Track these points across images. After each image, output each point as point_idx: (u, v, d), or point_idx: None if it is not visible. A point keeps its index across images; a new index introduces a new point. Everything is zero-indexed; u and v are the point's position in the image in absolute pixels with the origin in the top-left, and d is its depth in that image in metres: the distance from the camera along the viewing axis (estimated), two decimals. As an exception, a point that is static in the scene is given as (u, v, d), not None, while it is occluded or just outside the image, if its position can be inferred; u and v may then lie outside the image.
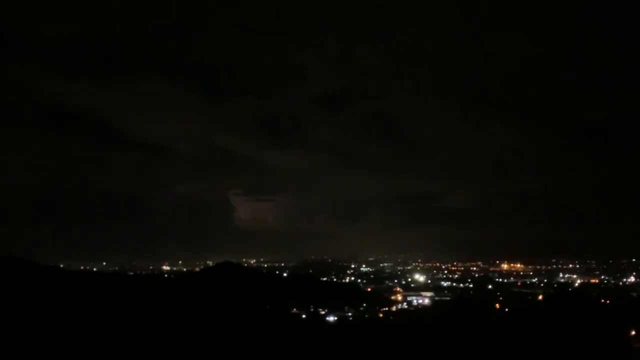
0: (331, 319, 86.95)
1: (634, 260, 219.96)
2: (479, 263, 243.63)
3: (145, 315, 57.42)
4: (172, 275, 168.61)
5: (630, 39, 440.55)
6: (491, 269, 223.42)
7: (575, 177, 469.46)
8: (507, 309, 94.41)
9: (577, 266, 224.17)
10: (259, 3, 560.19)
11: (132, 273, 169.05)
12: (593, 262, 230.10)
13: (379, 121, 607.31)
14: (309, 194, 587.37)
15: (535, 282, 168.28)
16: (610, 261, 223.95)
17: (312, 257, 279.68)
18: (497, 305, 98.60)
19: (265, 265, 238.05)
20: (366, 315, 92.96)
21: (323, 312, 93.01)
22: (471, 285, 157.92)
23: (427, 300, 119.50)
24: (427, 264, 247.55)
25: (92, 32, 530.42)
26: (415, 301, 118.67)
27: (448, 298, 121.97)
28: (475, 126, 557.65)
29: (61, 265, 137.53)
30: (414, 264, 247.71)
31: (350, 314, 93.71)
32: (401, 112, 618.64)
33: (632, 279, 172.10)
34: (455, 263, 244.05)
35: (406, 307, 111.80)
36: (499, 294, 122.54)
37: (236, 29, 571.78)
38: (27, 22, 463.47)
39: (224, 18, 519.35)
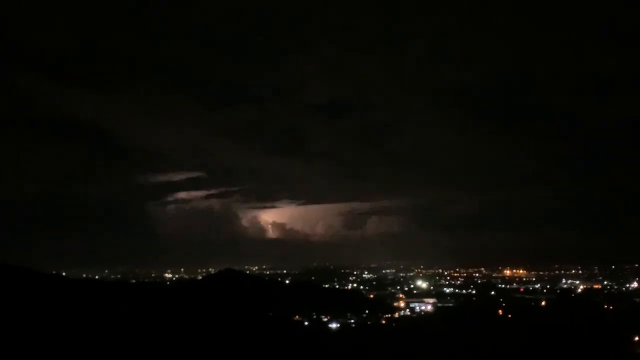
0: (333, 325, 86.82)
1: (636, 265, 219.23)
2: (482, 269, 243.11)
3: (148, 322, 57.47)
4: (175, 283, 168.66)
5: (632, 44, 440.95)
6: (494, 275, 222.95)
7: (578, 182, 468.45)
8: (510, 315, 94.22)
9: (580, 272, 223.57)
10: (258, 11, 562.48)
11: (134, 281, 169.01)
12: (596, 267, 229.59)
13: (380, 128, 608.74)
14: (310, 202, 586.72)
15: (538, 288, 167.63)
16: (613, 267, 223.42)
17: (315, 264, 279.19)
18: (500, 312, 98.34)
19: (268, 273, 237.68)
20: (369, 322, 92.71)
21: (325, 319, 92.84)
22: (474, 292, 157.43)
23: (429, 307, 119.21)
24: (429, 271, 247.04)
25: (91, 40, 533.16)
26: (417, 308, 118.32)
27: (451, 304, 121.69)
28: (477, 133, 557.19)
29: (63, 274, 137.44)
30: (416, 270, 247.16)
31: (352, 320, 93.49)
32: (402, 119, 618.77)
33: (635, 284, 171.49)
34: (457, 269, 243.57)
35: (409, 313, 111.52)
36: (501, 300, 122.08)
37: (236, 37, 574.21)
38: (25, 30, 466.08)
39: (224, 25, 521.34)
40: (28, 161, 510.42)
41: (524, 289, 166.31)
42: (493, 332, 68.57)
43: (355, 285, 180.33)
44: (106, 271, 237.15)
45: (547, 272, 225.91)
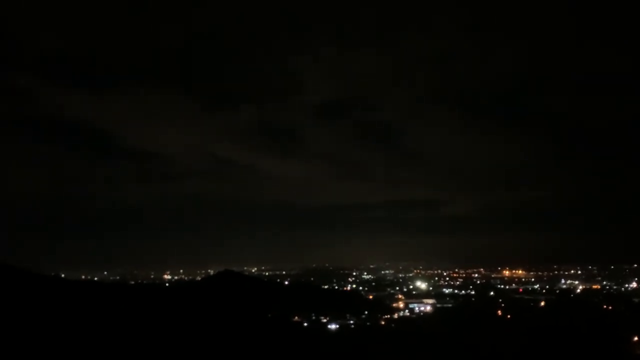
0: (333, 327, 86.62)
1: (635, 266, 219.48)
2: (481, 270, 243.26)
3: (146, 324, 57.33)
4: (174, 284, 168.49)
5: (630, 47, 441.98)
6: (493, 276, 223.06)
7: (576, 184, 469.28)
8: (509, 316, 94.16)
9: (579, 272, 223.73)
10: (258, 14, 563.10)
11: (133, 282, 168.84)
12: (595, 268, 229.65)
13: (379, 129, 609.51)
14: (309, 202, 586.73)
15: (537, 289, 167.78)
16: (612, 267, 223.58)
17: (314, 265, 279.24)
18: (499, 312, 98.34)
19: (267, 274, 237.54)
20: (368, 323, 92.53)
21: (325, 320, 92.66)
22: (473, 292, 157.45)
23: (428, 308, 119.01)
24: (428, 271, 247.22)
25: (91, 40, 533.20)
26: (417, 308, 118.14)
27: (450, 305, 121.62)
28: (476, 134, 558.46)
29: (62, 275, 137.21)
30: (415, 271, 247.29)
31: (352, 321, 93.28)
32: (401, 120, 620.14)
33: (634, 284, 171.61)
34: (456, 270, 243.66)
35: (408, 314, 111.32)
36: (500, 300, 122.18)
37: (235, 40, 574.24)
38: (25, 30, 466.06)
39: (224, 27, 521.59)
40: (28, 161, 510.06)
41: (523, 289, 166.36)
42: (492, 333, 68.46)
43: (354, 286, 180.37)
44: (105, 272, 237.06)
45: (546, 273, 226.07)
